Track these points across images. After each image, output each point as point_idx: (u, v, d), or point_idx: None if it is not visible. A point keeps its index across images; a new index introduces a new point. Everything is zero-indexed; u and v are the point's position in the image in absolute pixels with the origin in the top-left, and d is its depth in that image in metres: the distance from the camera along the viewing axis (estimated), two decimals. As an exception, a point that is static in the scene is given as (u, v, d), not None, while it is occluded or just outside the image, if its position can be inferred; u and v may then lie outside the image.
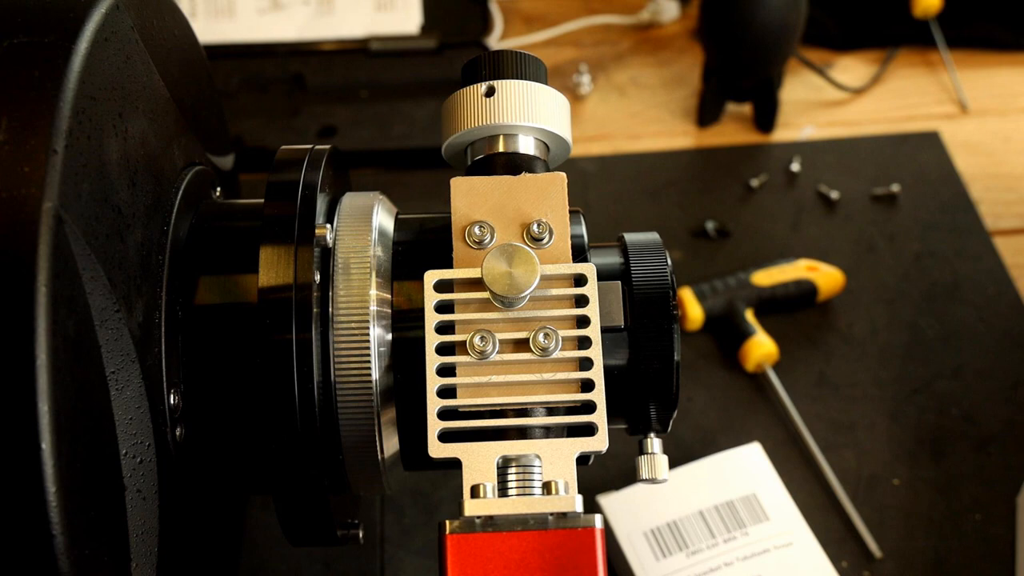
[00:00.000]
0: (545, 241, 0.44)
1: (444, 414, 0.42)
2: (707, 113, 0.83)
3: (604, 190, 0.79)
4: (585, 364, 0.42)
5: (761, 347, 0.68)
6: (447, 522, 0.39)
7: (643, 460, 0.45)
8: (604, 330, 0.45)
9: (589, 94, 0.86)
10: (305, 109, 0.81)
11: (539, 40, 0.89)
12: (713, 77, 0.81)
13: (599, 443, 0.41)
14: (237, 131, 0.78)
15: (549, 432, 0.42)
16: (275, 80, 0.83)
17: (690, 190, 0.79)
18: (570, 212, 0.46)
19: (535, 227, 0.44)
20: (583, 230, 0.47)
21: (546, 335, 0.42)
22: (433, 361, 0.42)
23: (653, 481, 0.45)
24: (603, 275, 0.46)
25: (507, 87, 0.46)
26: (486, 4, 0.86)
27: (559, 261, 0.44)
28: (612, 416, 0.44)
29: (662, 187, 0.79)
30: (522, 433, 0.42)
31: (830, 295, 0.72)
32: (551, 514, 0.39)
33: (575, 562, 0.38)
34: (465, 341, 0.42)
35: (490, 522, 0.39)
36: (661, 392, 0.46)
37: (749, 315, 0.70)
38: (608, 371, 0.45)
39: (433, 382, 0.42)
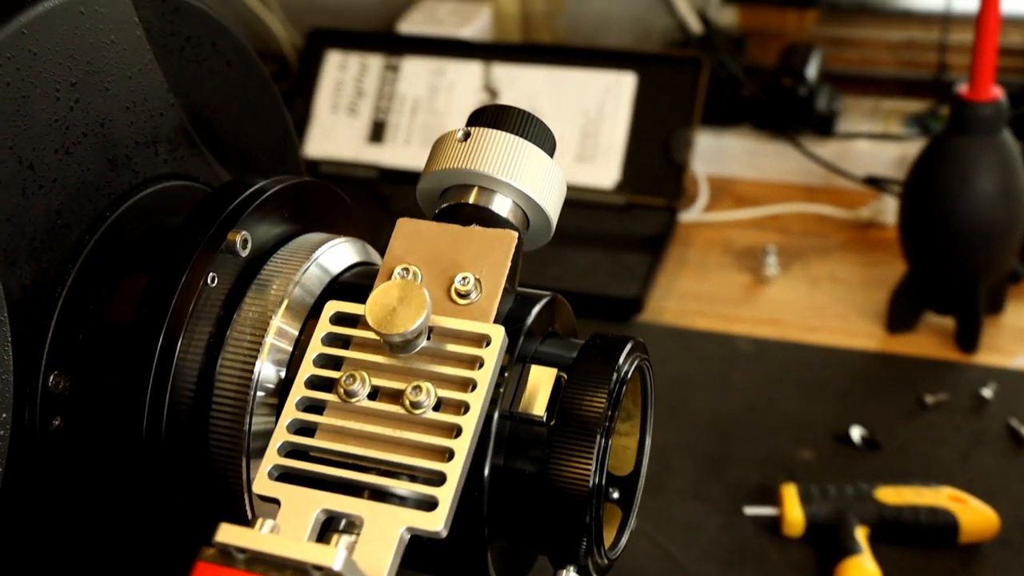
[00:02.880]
0: (471, 298, 0.39)
1: (291, 452, 0.37)
2: (898, 318, 0.73)
3: (751, 372, 0.71)
4: (457, 433, 0.36)
5: (861, 572, 0.56)
6: (204, 548, 0.34)
7: None
8: (520, 419, 0.39)
9: (774, 278, 0.78)
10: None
11: (744, 217, 0.84)
12: (909, 279, 0.72)
13: (434, 522, 0.35)
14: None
15: (385, 497, 0.36)
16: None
17: (849, 392, 0.69)
18: (535, 292, 0.41)
19: (460, 280, 0.39)
20: (534, 312, 0.41)
21: (419, 390, 0.37)
22: (298, 393, 0.38)
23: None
24: (546, 362, 0.40)
25: (487, 135, 0.42)
26: (682, 171, 0.83)
27: (476, 320, 0.38)
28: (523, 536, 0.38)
29: (816, 382, 0.70)
30: (355, 491, 0.36)
31: (976, 537, 0.59)
32: (315, 567, 0.33)
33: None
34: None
35: (254, 561, 0.33)
36: (570, 515, 0.38)
37: (860, 533, 0.58)
38: (517, 474, 0.38)
39: (288, 414, 0.37)
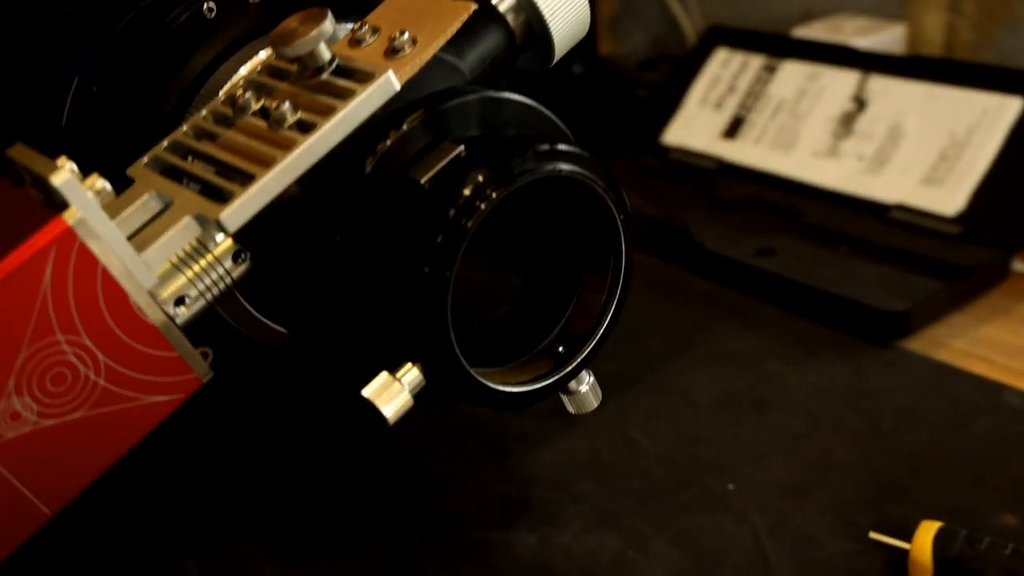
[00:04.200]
0: (401, 52, 0.37)
1: (172, 146, 0.38)
2: None
3: (999, 423, 0.56)
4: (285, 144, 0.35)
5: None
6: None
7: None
8: (392, 177, 0.36)
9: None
10: (770, 233, 0.73)
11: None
12: None
13: (216, 211, 0.34)
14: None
15: (207, 191, 0.35)
16: (761, 205, 0.77)
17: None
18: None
19: (397, 36, 0.37)
20: (467, 75, 0.38)
21: (284, 107, 0.36)
22: (214, 106, 0.39)
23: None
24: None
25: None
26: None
27: (399, 72, 0.36)
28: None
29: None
30: (190, 183, 0.36)
31: None
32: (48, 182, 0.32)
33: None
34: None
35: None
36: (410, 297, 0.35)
37: (998, 601, 0.44)
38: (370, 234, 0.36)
39: (194, 121, 0.38)
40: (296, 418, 0.60)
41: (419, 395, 0.36)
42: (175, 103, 0.42)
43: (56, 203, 0.31)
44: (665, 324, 0.67)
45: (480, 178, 0.34)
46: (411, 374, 0.35)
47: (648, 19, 1.05)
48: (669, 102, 0.89)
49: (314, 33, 0.35)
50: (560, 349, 0.39)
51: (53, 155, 0.33)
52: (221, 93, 0.39)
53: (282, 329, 0.44)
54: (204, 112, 0.38)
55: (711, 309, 0.69)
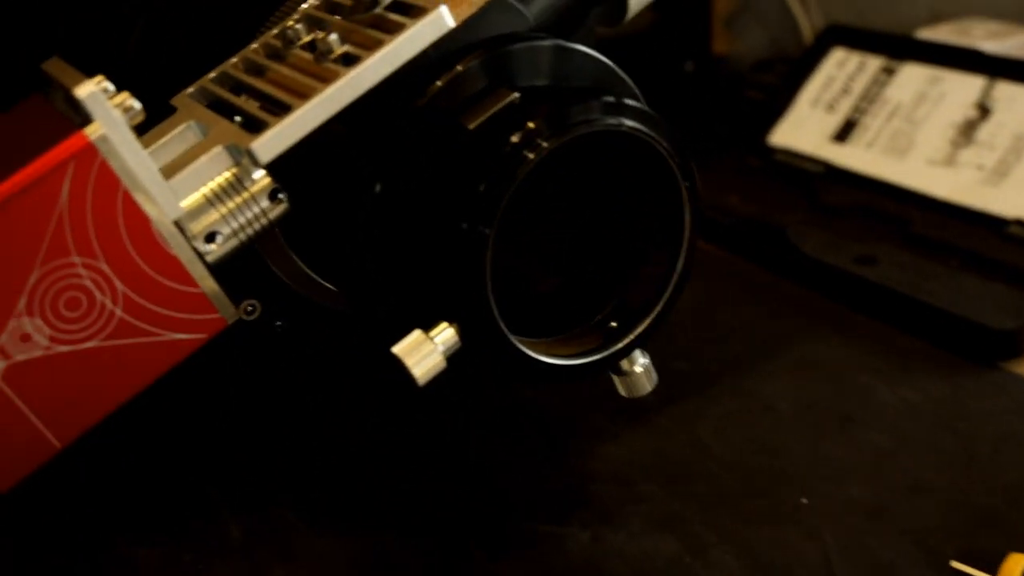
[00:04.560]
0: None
1: (219, 78, 0.37)
2: None
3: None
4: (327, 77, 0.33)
5: None
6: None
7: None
8: (440, 118, 0.34)
9: None
10: (873, 241, 0.69)
11: None
12: None
13: (248, 140, 0.32)
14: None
15: (246, 122, 0.33)
16: (866, 212, 0.72)
17: None
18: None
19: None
20: (530, 21, 0.35)
21: (331, 40, 0.34)
22: (266, 39, 0.37)
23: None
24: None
25: None
26: None
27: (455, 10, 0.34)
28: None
29: None
30: (231, 114, 0.34)
31: None
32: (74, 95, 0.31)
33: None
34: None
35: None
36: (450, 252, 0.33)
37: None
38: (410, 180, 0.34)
39: (245, 53, 0.37)
40: (355, 387, 0.58)
41: (454, 359, 0.33)
42: (240, 35, 0.40)
43: (82, 119, 0.30)
44: (751, 327, 0.63)
45: (531, 125, 0.32)
46: (445, 334, 0.33)
47: (766, 18, 1.01)
48: (779, 102, 0.85)
49: (375, -30, 0.33)
50: (612, 324, 0.36)
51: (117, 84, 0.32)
52: (275, 30, 0.37)
53: (335, 289, 0.42)
54: (255, 44, 0.36)
55: (802, 315, 0.64)
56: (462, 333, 0.33)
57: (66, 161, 0.29)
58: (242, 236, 0.34)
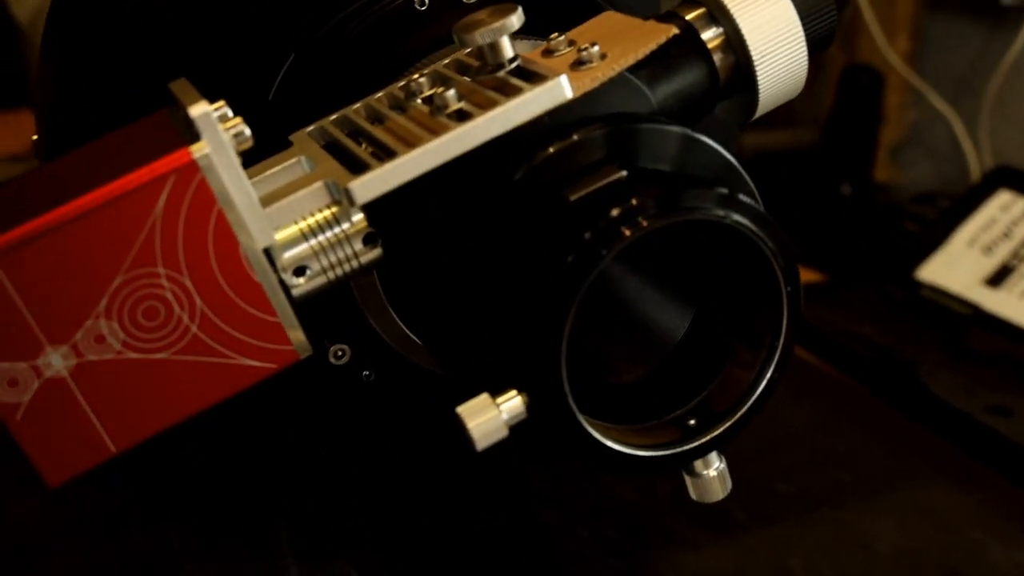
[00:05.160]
0: (586, 64, 0.35)
1: (339, 120, 0.37)
2: None
3: None
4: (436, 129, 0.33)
5: None
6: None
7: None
8: (537, 183, 0.33)
9: None
10: (1012, 392, 0.65)
11: None
12: None
13: (347, 179, 0.32)
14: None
15: (352, 165, 0.34)
16: (1009, 362, 0.69)
17: None
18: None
19: (587, 48, 0.35)
20: (653, 105, 0.35)
21: (448, 95, 0.34)
22: (392, 89, 0.38)
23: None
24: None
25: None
26: None
27: (576, 82, 0.34)
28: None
29: None
30: (342, 158, 0.35)
31: None
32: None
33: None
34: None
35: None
36: (529, 314, 0.32)
37: None
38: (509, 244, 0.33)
39: (368, 100, 0.37)
40: (435, 448, 0.57)
41: (518, 428, 0.32)
42: (375, 88, 0.41)
43: (191, 137, 0.31)
44: (861, 458, 0.60)
45: (633, 202, 0.31)
46: (513, 402, 0.32)
47: (934, 151, 0.98)
48: (934, 237, 0.82)
49: (497, 24, 0.33)
50: (692, 422, 0.34)
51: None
52: (403, 82, 0.37)
53: (424, 346, 0.42)
54: (380, 94, 0.37)
55: (919, 456, 0.61)
56: (529, 404, 0.32)
57: (167, 175, 0.30)
58: (331, 275, 0.34)
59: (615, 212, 0.31)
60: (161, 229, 0.30)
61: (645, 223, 0.31)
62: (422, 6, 0.41)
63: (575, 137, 0.33)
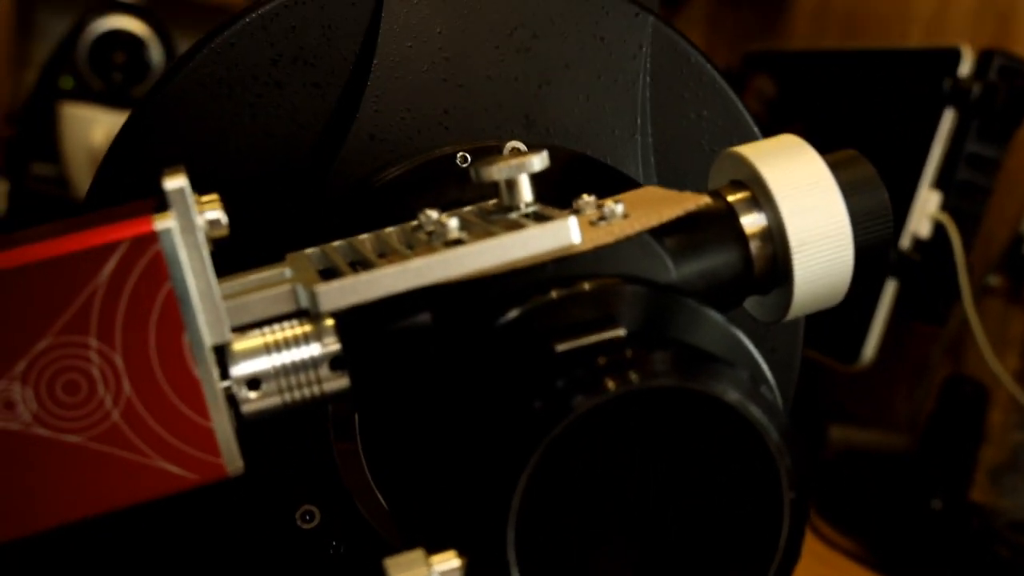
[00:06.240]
0: (606, 221, 0.32)
1: (342, 247, 0.35)
2: None
3: None
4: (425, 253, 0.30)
5: None
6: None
7: None
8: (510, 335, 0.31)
9: None
10: None
11: None
12: None
13: (319, 285, 0.29)
14: None
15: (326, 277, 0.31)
16: None
17: None
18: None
19: (609, 207, 0.33)
20: (672, 276, 0.32)
21: (443, 224, 0.32)
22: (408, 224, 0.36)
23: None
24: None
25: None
26: None
27: (589, 235, 0.32)
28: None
29: None
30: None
31: None
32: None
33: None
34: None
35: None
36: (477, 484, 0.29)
37: None
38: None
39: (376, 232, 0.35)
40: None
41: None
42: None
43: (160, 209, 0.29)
44: None
45: (626, 354, 0.27)
46: (447, 565, 0.27)
47: (1038, 481, 0.90)
48: (1026, 565, 0.74)
49: (517, 162, 0.31)
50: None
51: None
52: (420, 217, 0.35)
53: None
54: (392, 228, 0.35)
55: None
56: (467, 571, 0.27)
57: (120, 240, 0.28)
58: (287, 397, 0.31)
59: (601, 360, 0.27)
60: (103, 297, 0.28)
61: (633, 378, 0.27)
62: (464, 162, 0.40)
63: (576, 289, 0.30)
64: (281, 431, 0.38)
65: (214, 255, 0.30)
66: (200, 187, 0.30)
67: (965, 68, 0.79)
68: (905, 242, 0.81)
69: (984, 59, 0.79)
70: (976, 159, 0.80)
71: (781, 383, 0.48)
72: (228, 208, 0.30)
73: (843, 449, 0.93)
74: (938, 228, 0.81)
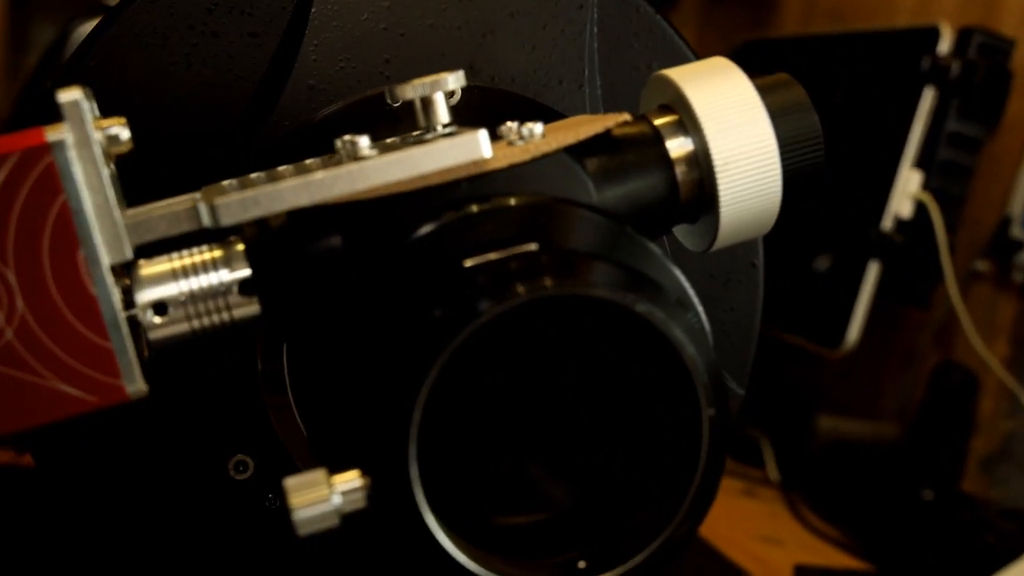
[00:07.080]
0: (523, 140, 0.31)
1: None
2: None
3: None
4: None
5: None
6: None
7: None
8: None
9: None
10: None
11: None
12: None
13: (220, 198, 0.29)
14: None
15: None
16: None
17: None
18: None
19: (529, 129, 0.32)
20: (593, 198, 0.31)
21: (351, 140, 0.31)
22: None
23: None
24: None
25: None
26: None
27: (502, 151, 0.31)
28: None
29: None
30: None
31: None
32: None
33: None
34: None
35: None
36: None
37: None
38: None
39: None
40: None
41: (352, 520, 0.27)
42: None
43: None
44: None
45: (527, 264, 0.26)
46: (351, 484, 0.26)
47: (1029, 466, 0.88)
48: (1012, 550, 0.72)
49: (428, 80, 0.30)
50: (580, 565, 0.28)
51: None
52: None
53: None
54: (313, 159, 0.34)
55: None
56: (370, 492, 0.26)
57: (10, 153, 0.27)
58: (195, 323, 0.30)
59: (513, 265, 0.26)
60: (-8, 210, 0.27)
61: (547, 285, 0.26)
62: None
63: (489, 205, 0.29)
64: (210, 384, 0.37)
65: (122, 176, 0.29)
66: (136, 139, 0.29)
67: (944, 46, 0.78)
68: (887, 223, 0.80)
69: (963, 37, 0.78)
70: (957, 138, 0.79)
71: (740, 344, 0.47)
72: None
73: (832, 440, 0.91)
74: (921, 209, 0.80)
